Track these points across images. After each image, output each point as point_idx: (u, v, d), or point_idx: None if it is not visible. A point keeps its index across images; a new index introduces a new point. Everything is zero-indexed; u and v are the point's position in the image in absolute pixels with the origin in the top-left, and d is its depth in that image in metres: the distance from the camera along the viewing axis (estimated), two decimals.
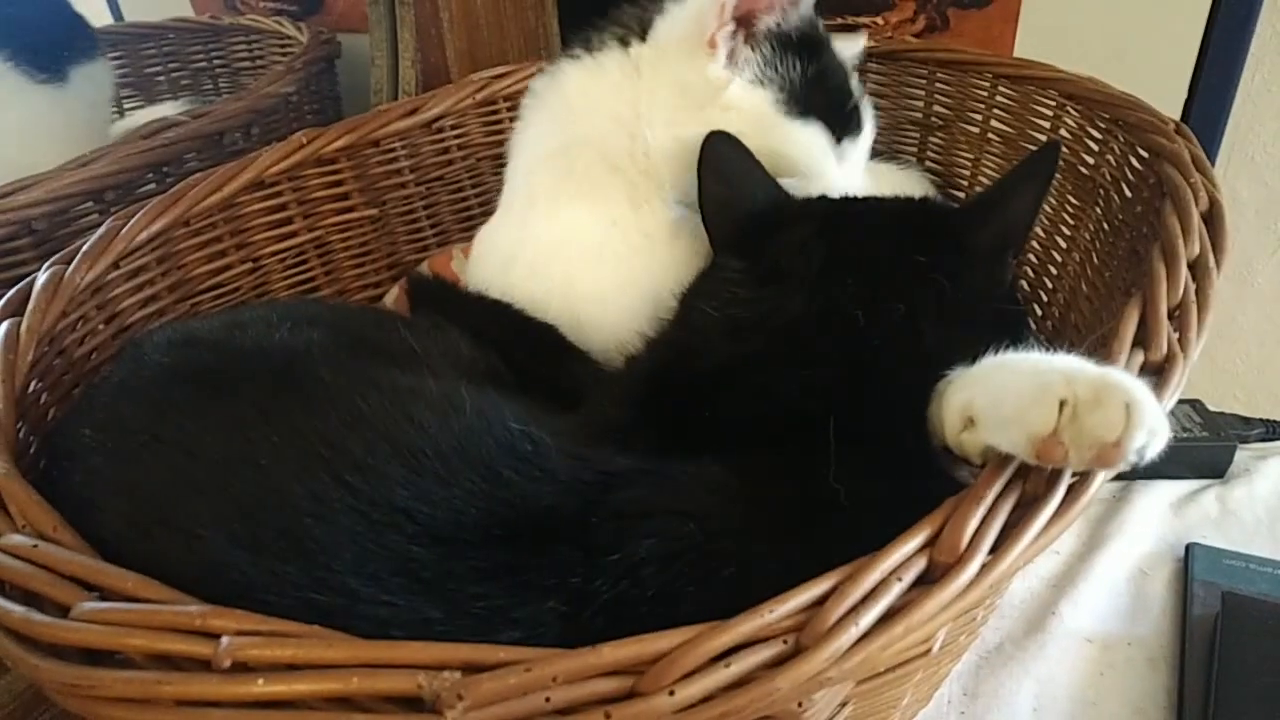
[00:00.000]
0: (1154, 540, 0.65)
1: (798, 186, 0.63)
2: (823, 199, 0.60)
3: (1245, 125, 0.85)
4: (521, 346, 0.60)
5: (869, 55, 0.84)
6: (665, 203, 0.64)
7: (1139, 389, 0.34)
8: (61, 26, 1.00)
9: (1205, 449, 0.70)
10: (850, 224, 0.56)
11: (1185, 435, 0.71)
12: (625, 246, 0.64)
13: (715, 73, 0.61)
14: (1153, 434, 0.33)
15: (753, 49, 0.62)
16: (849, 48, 0.70)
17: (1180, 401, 0.71)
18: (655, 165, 0.63)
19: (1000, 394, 0.36)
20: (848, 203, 0.59)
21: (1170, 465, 0.70)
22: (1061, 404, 0.34)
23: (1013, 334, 0.47)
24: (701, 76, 0.62)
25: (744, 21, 0.62)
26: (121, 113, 1.24)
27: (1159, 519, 0.67)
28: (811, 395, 0.45)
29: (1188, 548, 0.63)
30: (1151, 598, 0.61)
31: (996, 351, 0.40)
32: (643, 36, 0.64)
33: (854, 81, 0.68)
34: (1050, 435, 0.33)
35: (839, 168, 0.65)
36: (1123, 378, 0.35)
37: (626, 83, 0.64)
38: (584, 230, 0.64)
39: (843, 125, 0.65)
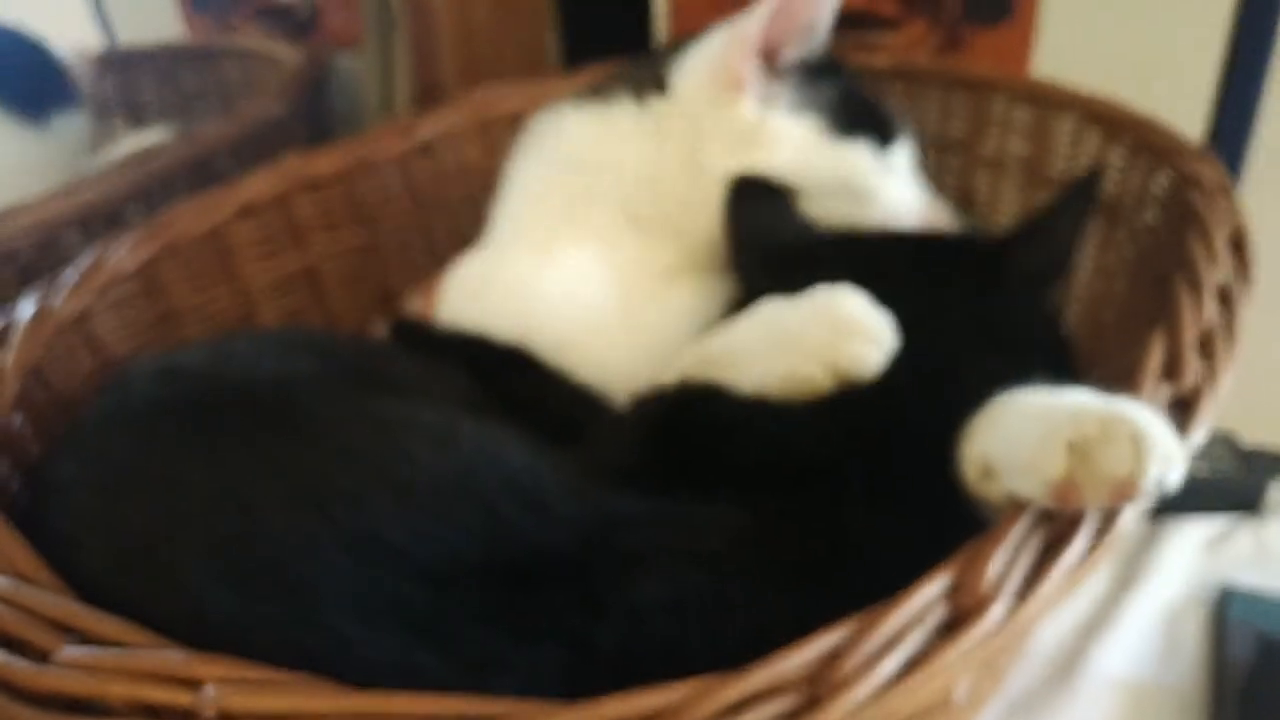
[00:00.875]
0: (1186, 581, 0.63)
1: (858, 214, 0.60)
2: (856, 235, 0.58)
3: (1272, 146, 0.83)
4: (512, 387, 0.56)
5: (882, 75, 0.83)
6: (688, 261, 0.61)
7: (1146, 418, 0.33)
8: (45, 71, 1.01)
9: (1238, 484, 0.68)
10: (883, 257, 0.54)
11: (1218, 470, 0.68)
12: (628, 300, 0.60)
13: (750, 111, 0.59)
14: (1168, 462, 0.32)
15: (781, 82, 0.60)
16: None
17: (1212, 437, 0.69)
18: (692, 221, 0.60)
19: (1012, 441, 0.35)
20: (882, 237, 0.58)
21: (1203, 501, 0.68)
22: (1071, 445, 0.32)
23: (1061, 366, 0.45)
24: (735, 119, 0.59)
25: (767, 56, 0.60)
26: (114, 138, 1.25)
27: (1191, 558, 0.65)
28: (837, 433, 0.43)
29: (1223, 590, 0.60)
30: (1184, 641, 0.58)
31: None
32: (659, 89, 0.62)
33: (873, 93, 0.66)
34: (1064, 479, 0.32)
35: (892, 181, 0.63)
36: (1128, 409, 0.33)
37: (647, 140, 0.61)
38: (581, 275, 0.60)
39: (883, 135, 0.63)
